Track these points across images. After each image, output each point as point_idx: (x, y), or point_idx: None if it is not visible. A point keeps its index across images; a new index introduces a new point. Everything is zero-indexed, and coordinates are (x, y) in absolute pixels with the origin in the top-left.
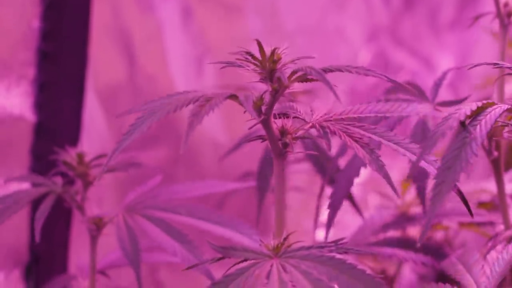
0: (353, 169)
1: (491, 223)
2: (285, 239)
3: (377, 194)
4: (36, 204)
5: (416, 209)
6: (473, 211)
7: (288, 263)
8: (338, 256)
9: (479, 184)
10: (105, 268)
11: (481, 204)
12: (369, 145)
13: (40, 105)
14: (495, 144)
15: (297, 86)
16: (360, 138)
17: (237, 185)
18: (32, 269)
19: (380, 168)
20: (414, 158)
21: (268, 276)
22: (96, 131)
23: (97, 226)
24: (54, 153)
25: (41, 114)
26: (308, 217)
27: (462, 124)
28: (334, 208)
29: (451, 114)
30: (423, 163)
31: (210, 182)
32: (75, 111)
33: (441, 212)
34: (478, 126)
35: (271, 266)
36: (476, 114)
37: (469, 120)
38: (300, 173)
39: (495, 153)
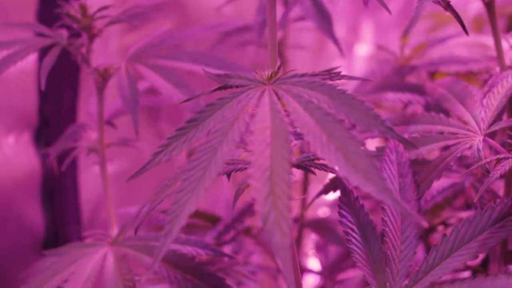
0: None
1: (488, 71)
2: (278, 67)
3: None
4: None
5: (415, 61)
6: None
7: (281, 89)
8: (330, 82)
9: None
10: (110, 118)
11: None
12: None
13: None
14: None
15: None
16: None
17: (243, 22)
18: (41, 132)
19: None
20: None
21: (260, 98)
22: None
23: (102, 77)
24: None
25: None
26: None
27: None
28: None
29: None
30: None
31: (216, 23)
32: None
33: (438, 60)
34: None
35: (263, 91)
36: None
37: None
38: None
39: None
